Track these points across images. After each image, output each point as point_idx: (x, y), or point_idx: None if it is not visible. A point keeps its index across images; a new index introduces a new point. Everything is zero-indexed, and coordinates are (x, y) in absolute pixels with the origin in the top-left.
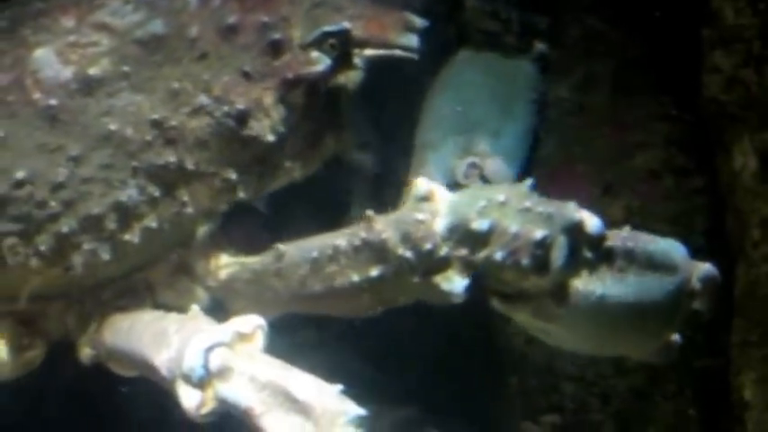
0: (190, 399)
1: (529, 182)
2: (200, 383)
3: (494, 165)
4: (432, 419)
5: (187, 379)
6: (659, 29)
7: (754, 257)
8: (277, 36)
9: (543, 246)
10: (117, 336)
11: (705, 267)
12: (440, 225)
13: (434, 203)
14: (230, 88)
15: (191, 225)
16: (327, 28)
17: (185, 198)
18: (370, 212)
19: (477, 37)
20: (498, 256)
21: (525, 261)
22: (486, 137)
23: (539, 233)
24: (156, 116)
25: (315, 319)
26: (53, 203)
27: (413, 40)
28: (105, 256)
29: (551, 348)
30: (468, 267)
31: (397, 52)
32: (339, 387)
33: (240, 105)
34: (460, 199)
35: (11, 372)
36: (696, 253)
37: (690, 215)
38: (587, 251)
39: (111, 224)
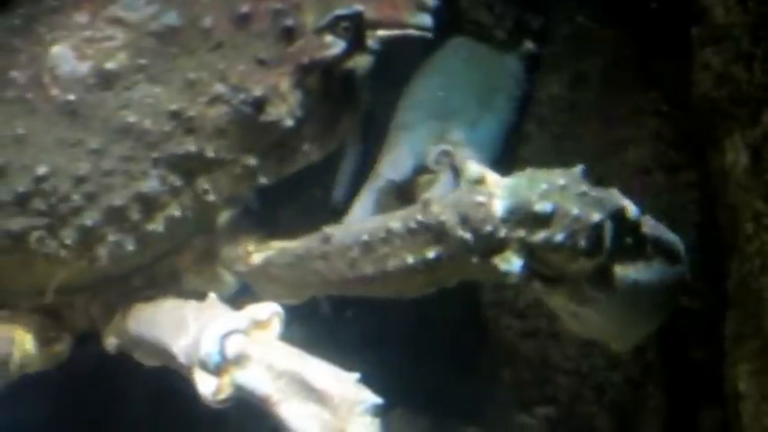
0: (206, 385)
1: (580, 167)
2: (216, 370)
3: (465, 155)
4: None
5: (203, 365)
6: (647, 27)
7: (747, 251)
8: (290, 22)
9: (598, 229)
10: (139, 324)
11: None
12: (498, 207)
13: (488, 186)
14: (246, 76)
15: (214, 212)
16: (340, 12)
17: (207, 186)
18: (427, 195)
19: (469, 27)
20: (559, 237)
21: (582, 243)
22: (462, 126)
23: (596, 216)
24: (174, 107)
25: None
26: (76, 197)
27: (426, 19)
28: (130, 246)
29: (545, 341)
30: (526, 248)
31: (411, 32)
32: (356, 375)
33: (257, 92)
34: (518, 182)
35: (39, 365)
36: (688, 247)
37: (681, 210)
38: (628, 236)
39: (134, 215)
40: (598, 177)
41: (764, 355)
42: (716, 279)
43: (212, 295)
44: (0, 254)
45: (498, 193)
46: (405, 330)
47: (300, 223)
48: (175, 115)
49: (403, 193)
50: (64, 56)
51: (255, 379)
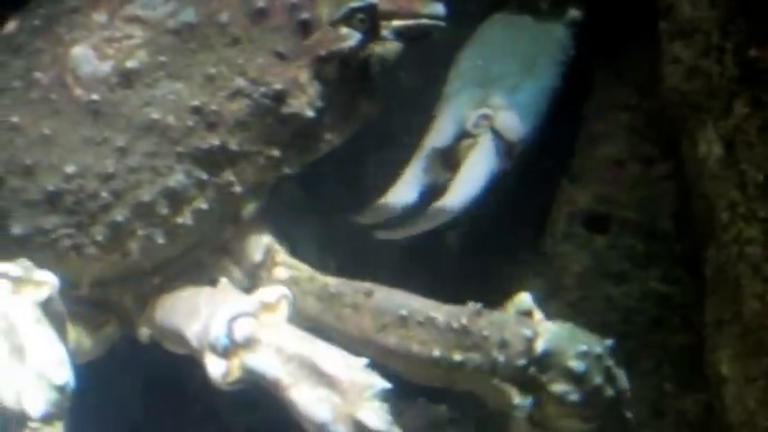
0: (216, 368)
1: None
2: (225, 352)
3: (506, 118)
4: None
5: (213, 348)
6: (615, 22)
7: (723, 240)
8: (306, 15)
9: (610, 402)
10: (162, 313)
11: None
12: (539, 347)
13: (534, 323)
14: (265, 69)
15: (240, 203)
16: (355, 4)
17: (232, 178)
18: (478, 306)
19: (513, 3)
20: (574, 397)
21: (589, 411)
22: (502, 91)
23: (611, 392)
24: (195, 102)
25: None
26: (104, 194)
27: (438, 9)
28: (160, 240)
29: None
30: (543, 393)
31: (424, 21)
32: (365, 361)
33: (277, 85)
34: (560, 331)
35: (95, 351)
36: (665, 237)
37: (657, 201)
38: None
39: (162, 209)
40: (574, 171)
41: (745, 339)
42: (694, 268)
43: (224, 280)
44: (34, 251)
45: (542, 333)
46: None
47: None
48: (197, 110)
49: (447, 159)
50: (85, 56)
51: (265, 363)
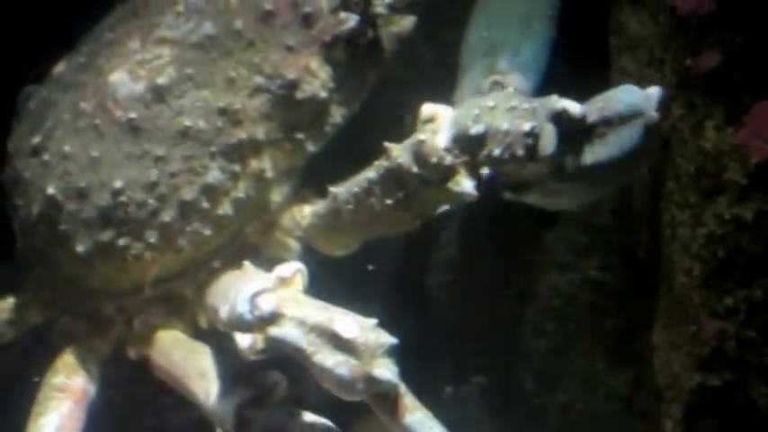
0: (243, 340)
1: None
2: (250, 327)
3: (513, 80)
4: None
5: (239, 324)
6: (571, 39)
7: (659, 224)
8: (308, 9)
9: (532, 135)
10: (210, 298)
11: (655, 96)
12: (441, 139)
13: (437, 122)
14: (279, 64)
15: (273, 186)
16: None
17: (263, 165)
18: (387, 144)
19: None
20: (497, 152)
21: (520, 152)
22: (506, 55)
23: (526, 125)
24: (221, 104)
25: None
26: (151, 201)
27: None
28: (207, 232)
29: (481, 318)
30: (474, 168)
31: None
32: (375, 321)
33: (291, 76)
34: (458, 112)
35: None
36: (602, 229)
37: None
38: (573, 132)
39: (204, 204)
40: None
41: (673, 310)
42: (628, 257)
43: (246, 263)
44: (97, 264)
45: (443, 126)
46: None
47: None
48: (223, 111)
49: None
50: (121, 80)
51: (289, 334)
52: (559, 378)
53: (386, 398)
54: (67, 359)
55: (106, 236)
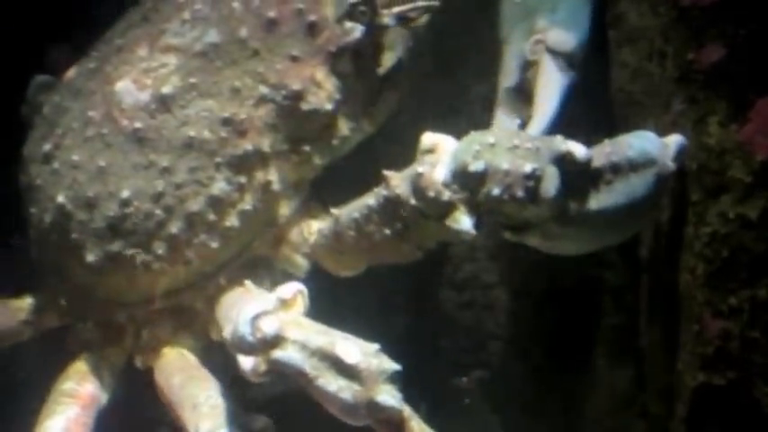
0: (245, 363)
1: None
2: (252, 349)
3: (555, 35)
4: None
5: (240, 346)
6: None
7: (661, 222)
8: (313, 17)
9: (534, 177)
10: (220, 312)
11: (674, 146)
12: (440, 173)
13: (437, 154)
14: (284, 73)
15: (281, 200)
16: None
17: (270, 178)
18: (386, 172)
19: None
20: (496, 192)
21: (520, 193)
22: (544, 14)
23: (528, 167)
24: (225, 114)
25: None
26: (158, 212)
27: None
28: (214, 244)
29: (479, 313)
30: (473, 207)
31: (420, 2)
32: (377, 346)
33: (295, 86)
34: (459, 146)
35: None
36: None
37: None
38: (578, 176)
39: (210, 216)
40: None
41: (677, 309)
42: (627, 253)
43: (248, 282)
44: (107, 274)
45: (443, 159)
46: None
47: None
48: (228, 121)
49: (525, 96)
50: (127, 89)
51: (291, 357)
52: (558, 374)
53: (390, 423)
54: (80, 366)
55: (115, 246)
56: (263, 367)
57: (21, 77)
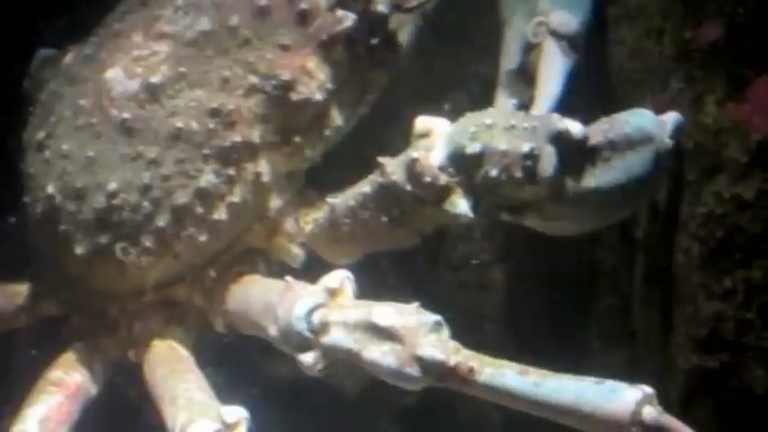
0: (306, 360)
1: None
2: (310, 345)
3: (557, 17)
4: None
5: (299, 343)
6: None
7: (657, 201)
8: (304, 6)
9: (532, 157)
10: (235, 307)
11: (671, 122)
12: (436, 157)
13: (432, 138)
14: (274, 63)
15: (271, 191)
16: None
17: (259, 169)
18: (381, 159)
19: None
20: (493, 173)
21: (518, 174)
22: None
23: (526, 146)
24: (214, 105)
25: None
26: (145, 204)
27: None
28: (203, 237)
29: (474, 294)
30: (470, 189)
31: None
32: (416, 304)
33: (286, 76)
34: (455, 129)
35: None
36: None
37: None
38: (575, 154)
39: (198, 209)
40: None
41: (671, 290)
42: (623, 234)
43: (289, 278)
44: (96, 266)
45: (437, 143)
46: None
47: None
48: (216, 112)
49: (527, 78)
50: (117, 77)
51: (336, 339)
52: (553, 353)
53: (446, 374)
54: (70, 356)
55: (103, 239)
56: (322, 362)
57: (18, 52)
